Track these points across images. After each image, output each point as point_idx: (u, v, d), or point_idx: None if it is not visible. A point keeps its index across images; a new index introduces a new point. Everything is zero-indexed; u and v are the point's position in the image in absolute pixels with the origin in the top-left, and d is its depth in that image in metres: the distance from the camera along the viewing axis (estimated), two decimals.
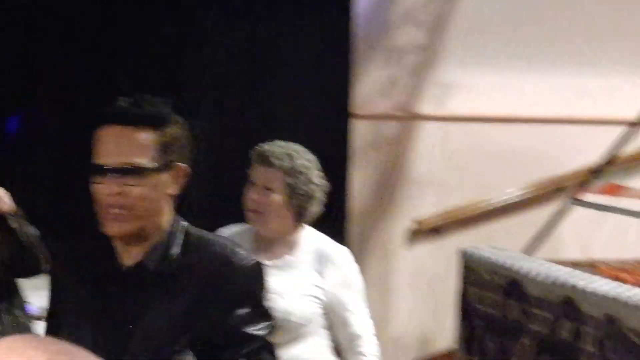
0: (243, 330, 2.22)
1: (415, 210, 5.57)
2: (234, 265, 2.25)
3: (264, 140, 3.18)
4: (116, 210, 2.19)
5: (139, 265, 2.25)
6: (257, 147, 3.28)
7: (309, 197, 3.23)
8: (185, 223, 2.32)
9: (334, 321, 3.25)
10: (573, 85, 5.67)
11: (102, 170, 2.19)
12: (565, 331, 3.98)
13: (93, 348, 1.07)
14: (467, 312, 4.71)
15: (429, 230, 5.60)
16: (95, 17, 5.05)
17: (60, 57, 5.07)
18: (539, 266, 4.32)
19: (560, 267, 4.30)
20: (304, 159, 3.25)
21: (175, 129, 2.24)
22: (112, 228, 2.22)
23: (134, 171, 2.17)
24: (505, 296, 4.43)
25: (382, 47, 5.57)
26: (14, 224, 3.17)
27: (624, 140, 4.80)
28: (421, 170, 5.62)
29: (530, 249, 4.89)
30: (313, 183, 3.22)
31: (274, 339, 2.33)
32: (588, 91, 5.68)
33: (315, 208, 3.26)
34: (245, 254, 2.30)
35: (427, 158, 5.63)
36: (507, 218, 5.68)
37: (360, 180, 5.42)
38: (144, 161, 2.17)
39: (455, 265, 5.34)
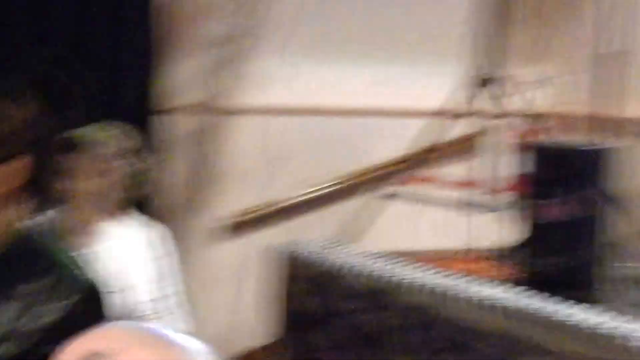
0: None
1: (231, 205, 5.47)
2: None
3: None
4: None
5: None
6: (63, 134, 3.12)
7: (119, 183, 3.14)
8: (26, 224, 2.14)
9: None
10: (386, 77, 5.70)
11: None
12: (377, 321, 4.00)
13: None
14: (282, 305, 4.67)
15: (242, 225, 5.51)
16: None
17: None
18: (353, 258, 4.32)
19: (374, 258, 4.31)
20: (111, 144, 3.15)
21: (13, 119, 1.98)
22: None
23: None
24: (319, 288, 4.41)
25: (195, 40, 5.45)
26: None
27: (436, 130, 4.85)
28: (237, 164, 5.53)
29: (344, 241, 4.88)
30: (123, 169, 3.13)
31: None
32: (401, 83, 5.72)
33: (131, 193, 3.17)
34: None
35: (243, 151, 5.55)
36: (320, 210, 5.65)
37: (173, 175, 5.28)
38: None
39: (267, 260, 5.28)
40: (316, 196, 5.58)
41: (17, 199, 2.04)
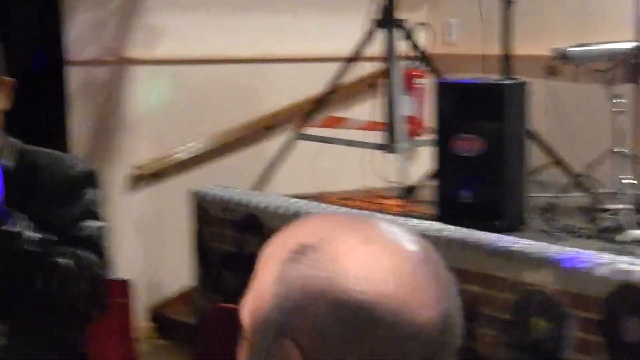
0: (67, 231, 2.22)
1: (134, 155, 5.52)
2: (64, 166, 2.30)
3: None
4: None
5: None
6: None
7: None
8: (15, 140, 2.30)
9: None
10: (288, 23, 5.82)
11: None
12: None
13: None
14: (203, 251, 4.77)
15: (149, 175, 5.56)
16: None
17: None
18: (275, 200, 4.44)
19: (296, 199, 4.44)
20: None
21: None
22: None
23: None
24: (241, 232, 4.52)
25: None
26: None
27: (341, 74, 4.99)
28: (137, 115, 5.57)
29: (257, 186, 5.00)
30: None
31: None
32: (303, 29, 5.85)
33: None
34: (78, 160, 2.40)
35: (141, 102, 5.59)
36: (224, 158, 5.76)
37: (78, 128, 5.28)
38: None
39: (178, 208, 5.37)
40: (219, 144, 5.68)
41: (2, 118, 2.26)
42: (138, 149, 5.53)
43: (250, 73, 5.78)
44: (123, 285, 4.68)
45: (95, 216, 2.33)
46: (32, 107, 4.98)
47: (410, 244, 0.98)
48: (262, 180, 5.00)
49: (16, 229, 2.12)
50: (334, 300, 0.93)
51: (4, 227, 2.10)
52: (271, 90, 5.81)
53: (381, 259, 0.95)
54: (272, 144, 5.65)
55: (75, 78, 5.29)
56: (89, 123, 5.42)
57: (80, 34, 5.38)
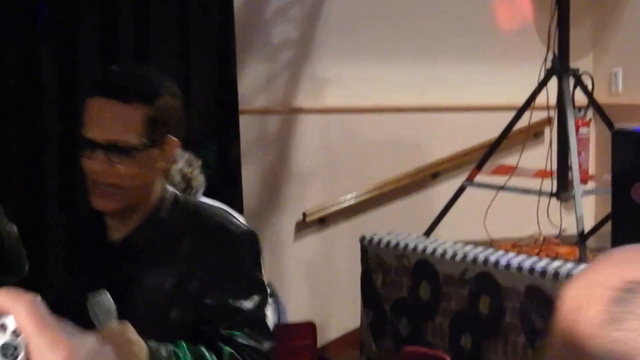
0: (228, 302, 2.12)
1: (303, 202, 5.65)
2: (225, 232, 2.17)
3: None
4: (104, 187, 2.09)
5: (128, 240, 2.18)
6: None
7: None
8: (174, 191, 2.24)
9: None
10: (451, 73, 5.90)
11: (89, 145, 2.08)
12: (483, 306, 4.14)
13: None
14: (372, 295, 4.83)
15: (317, 221, 5.68)
16: None
17: None
18: (447, 246, 4.47)
19: (467, 245, 4.46)
20: None
21: (167, 101, 2.11)
22: (99, 204, 2.12)
23: (122, 149, 2.05)
24: (413, 277, 4.56)
25: (260, 44, 5.63)
26: None
27: (513, 122, 5.02)
28: (305, 163, 5.71)
29: (427, 232, 5.04)
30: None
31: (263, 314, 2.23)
32: (466, 79, 5.92)
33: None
34: (240, 222, 2.22)
35: (309, 151, 5.73)
36: (390, 205, 5.84)
37: (249, 175, 5.45)
38: (132, 138, 2.06)
39: (345, 253, 5.46)
40: (385, 191, 5.77)
41: (164, 174, 2.25)
42: (307, 196, 5.67)
43: (416, 122, 5.86)
44: (308, 328, 4.81)
45: (255, 288, 2.19)
46: (210, 152, 5.19)
47: None
48: (432, 227, 5.04)
49: None
50: None
51: None
52: (436, 139, 5.88)
53: None
54: (438, 192, 5.70)
55: (247, 126, 5.48)
56: (260, 170, 5.60)
57: (253, 85, 5.58)
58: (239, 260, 2.16)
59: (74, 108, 4.69)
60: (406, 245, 4.59)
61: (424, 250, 4.48)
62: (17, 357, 0.63)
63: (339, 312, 5.59)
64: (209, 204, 2.38)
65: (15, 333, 0.64)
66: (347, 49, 5.77)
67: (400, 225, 5.24)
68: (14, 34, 4.83)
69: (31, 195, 4.81)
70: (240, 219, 2.29)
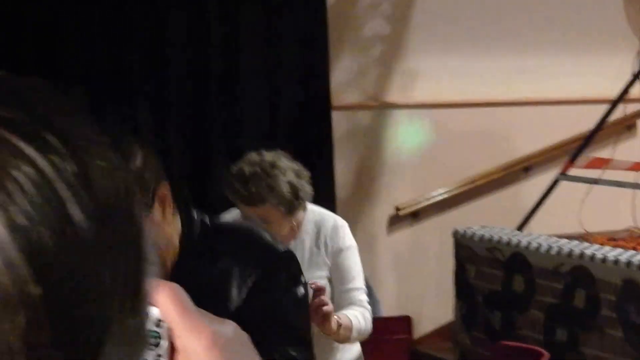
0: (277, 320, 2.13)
1: (395, 196, 5.70)
2: (265, 251, 2.17)
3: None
4: None
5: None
6: (231, 186, 3.09)
7: (295, 194, 3.23)
8: (196, 217, 2.19)
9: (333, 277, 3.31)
10: (541, 66, 5.89)
11: None
12: (578, 299, 4.15)
13: None
14: (466, 289, 4.86)
15: (409, 215, 5.73)
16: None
17: None
18: (541, 240, 4.48)
19: (561, 239, 4.47)
20: (276, 174, 3.13)
21: (137, 163, 1.97)
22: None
23: None
24: (508, 271, 4.58)
25: (352, 39, 5.69)
26: None
27: (607, 115, 5.00)
28: (396, 157, 5.76)
29: (520, 226, 5.06)
30: (291, 183, 3.21)
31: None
32: (556, 71, 5.91)
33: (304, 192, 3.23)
34: (274, 240, 2.22)
35: (400, 145, 5.78)
36: (481, 199, 5.86)
37: (341, 170, 5.52)
38: None
39: (436, 247, 5.51)
40: (476, 185, 5.80)
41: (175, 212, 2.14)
42: (398, 190, 5.72)
43: (507, 115, 5.88)
44: (404, 322, 4.87)
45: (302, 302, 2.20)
46: (302, 149, 5.27)
47: None
48: (525, 220, 5.05)
49: None
50: None
51: None
52: (527, 132, 5.88)
53: None
54: (529, 185, 5.71)
55: (338, 122, 5.55)
56: (351, 165, 5.66)
57: (344, 80, 5.64)
58: (279, 277, 2.17)
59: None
60: (499, 239, 4.61)
61: (517, 243, 4.50)
62: (159, 345, 0.65)
63: (431, 306, 5.64)
64: (235, 223, 2.38)
65: (159, 322, 0.65)
66: (437, 43, 5.80)
67: (491, 219, 5.26)
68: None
69: None
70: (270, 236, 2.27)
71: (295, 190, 3.14)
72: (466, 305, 4.89)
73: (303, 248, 3.29)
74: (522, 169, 5.89)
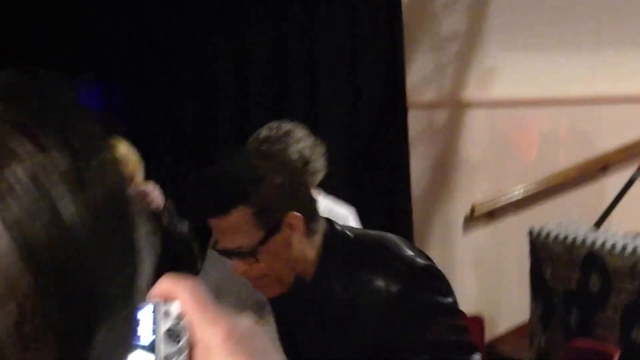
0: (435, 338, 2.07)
1: (472, 195, 5.69)
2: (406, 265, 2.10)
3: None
4: (259, 281, 2.14)
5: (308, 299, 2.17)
6: None
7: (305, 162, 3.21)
8: (333, 232, 2.16)
9: None
10: (622, 62, 5.81)
11: (224, 253, 2.16)
12: None
13: None
14: (542, 288, 4.83)
15: (486, 214, 5.72)
16: None
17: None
18: (618, 238, 4.43)
19: (638, 237, 4.41)
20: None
21: (267, 189, 2.06)
22: (267, 294, 2.22)
23: (247, 252, 2.08)
24: (584, 270, 4.54)
25: (427, 37, 5.69)
26: (164, 219, 3.10)
27: None
28: (472, 156, 5.74)
29: (597, 224, 5.00)
30: (301, 151, 3.15)
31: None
32: (629, 70, 5.82)
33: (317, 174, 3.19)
34: (415, 252, 2.15)
35: (477, 143, 5.75)
36: (558, 197, 5.81)
37: (417, 168, 5.52)
38: (247, 241, 2.07)
39: (513, 245, 5.47)
40: (553, 183, 5.75)
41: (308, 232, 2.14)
42: (475, 189, 5.70)
43: (584, 113, 5.81)
44: (475, 322, 4.85)
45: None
46: (378, 147, 5.29)
47: None
48: (602, 218, 5.00)
49: None
50: None
51: None
52: (605, 130, 5.81)
53: None
54: (608, 183, 5.64)
55: (415, 120, 5.55)
56: (427, 163, 5.66)
57: (421, 77, 5.64)
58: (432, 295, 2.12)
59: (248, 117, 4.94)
60: (574, 239, 4.57)
61: (593, 242, 4.46)
62: (180, 340, 0.66)
63: (508, 306, 5.61)
64: (374, 234, 2.27)
65: (179, 318, 0.67)
66: (514, 40, 5.76)
67: (568, 218, 5.21)
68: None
69: None
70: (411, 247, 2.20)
71: (304, 160, 3.12)
72: (542, 304, 4.86)
73: None
74: (600, 167, 5.82)
